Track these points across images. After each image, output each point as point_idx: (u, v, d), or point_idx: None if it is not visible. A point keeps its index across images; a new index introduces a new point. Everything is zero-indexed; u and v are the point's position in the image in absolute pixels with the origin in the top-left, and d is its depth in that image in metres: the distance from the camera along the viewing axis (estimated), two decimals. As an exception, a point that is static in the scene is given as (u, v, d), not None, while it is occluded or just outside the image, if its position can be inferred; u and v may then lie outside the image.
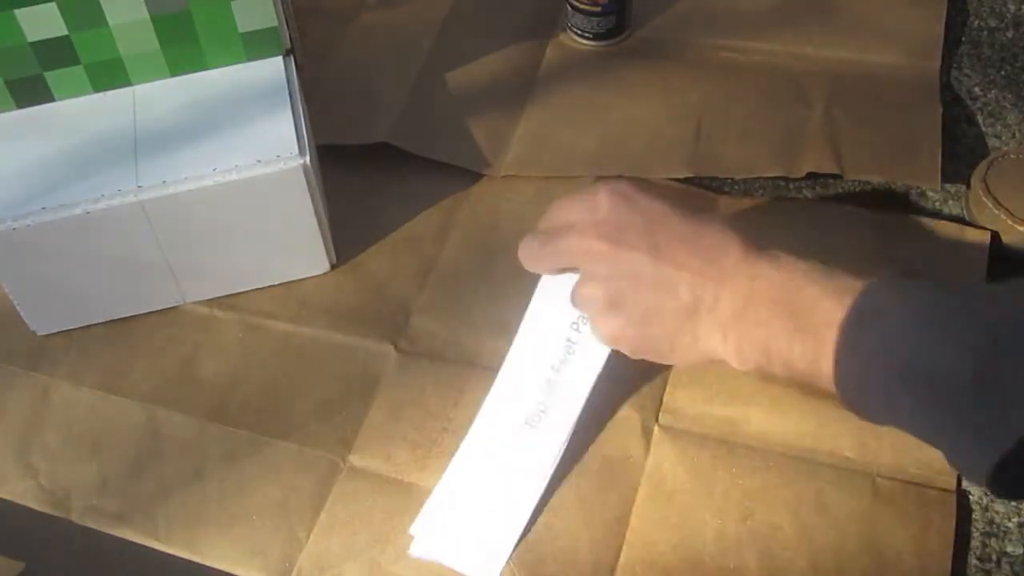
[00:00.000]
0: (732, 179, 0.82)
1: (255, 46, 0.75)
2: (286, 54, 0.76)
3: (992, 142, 0.84)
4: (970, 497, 0.66)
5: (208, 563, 0.66)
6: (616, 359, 0.67)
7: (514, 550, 0.64)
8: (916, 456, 0.67)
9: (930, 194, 0.81)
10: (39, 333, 0.76)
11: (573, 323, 0.67)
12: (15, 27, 0.69)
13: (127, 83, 0.75)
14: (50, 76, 0.73)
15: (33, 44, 0.70)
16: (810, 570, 0.63)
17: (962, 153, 0.83)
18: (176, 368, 0.75)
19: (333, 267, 0.78)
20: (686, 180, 0.82)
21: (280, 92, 0.74)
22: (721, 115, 0.85)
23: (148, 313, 0.77)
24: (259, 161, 0.69)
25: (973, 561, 0.64)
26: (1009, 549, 0.64)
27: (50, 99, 0.74)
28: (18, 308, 0.74)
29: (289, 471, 0.69)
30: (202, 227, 0.72)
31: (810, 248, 0.76)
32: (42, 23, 0.69)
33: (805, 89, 0.86)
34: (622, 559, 0.64)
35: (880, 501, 0.65)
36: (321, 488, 0.68)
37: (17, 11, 0.68)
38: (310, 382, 0.73)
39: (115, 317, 0.77)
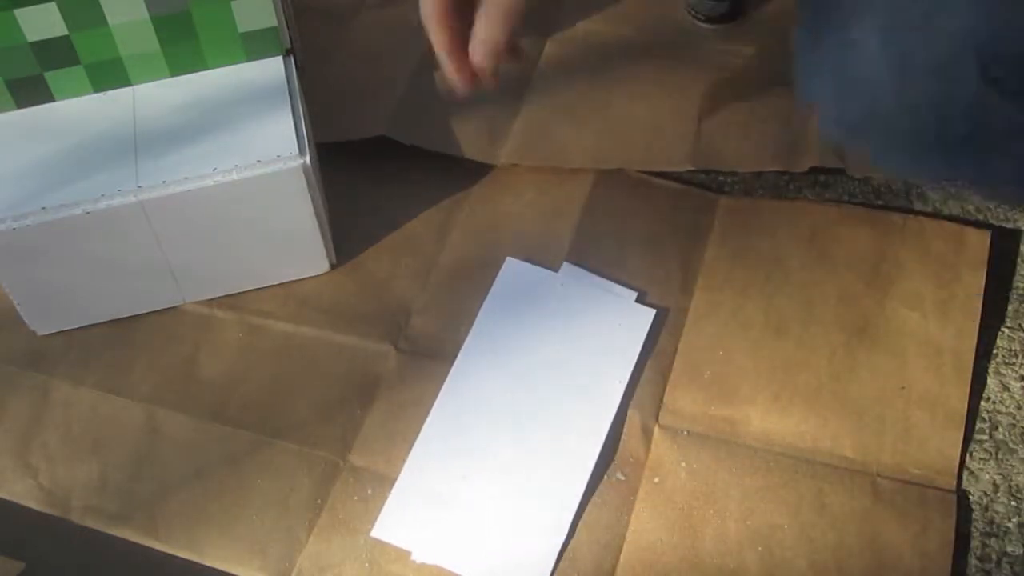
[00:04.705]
0: (732, 179, 0.82)
1: (255, 46, 0.74)
2: (286, 54, 0.76)
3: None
4: (970, 497, 0.66)
5: (208, 563, 0.66)
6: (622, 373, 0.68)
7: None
8: (916, 456, 0.67)
9: (930, 194, 0.81)
10: (39, 333, 0.76)
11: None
12: (15, 27, 0.69)
13: (127, 83, 0.75)
14: (50, 76, 0.72)
15: (33, 44, 0.70)
16: (810, 570, 0.63)
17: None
18: (176, 368, 0.75)
19: (333, 267, 0.78)
20: (686, 178, 0.82)
21: (280, 92, 0.74)
22: (722, 112, 0.85)
23: (148, 313, 0.77)
24: (259, 161, 0.69)
25: (973, 561, 0.64)
26: (1009, 549, 0.64)
27: (50, 99, 0.74)
28: (18, 308, 0.74)
29: (289, 471, 0.69)
30: (202, 227, 0.72)
31: (810, 248, 0.77)
32: (42, 23, 0.69)
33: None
34: (622, 559, 0.64)
35: (880, 501, 0.65)
36: (321, 488, 0.68)
37: (17, 11, 0.68)
38: (310, 382, 0.73)
39: (115, 317, 0.77)
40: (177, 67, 0.74)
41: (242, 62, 0.75)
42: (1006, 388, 0.71)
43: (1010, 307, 0.74)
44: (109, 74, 0.74)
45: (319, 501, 0.68)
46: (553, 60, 0.91)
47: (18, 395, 0.74)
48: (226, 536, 0.66)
